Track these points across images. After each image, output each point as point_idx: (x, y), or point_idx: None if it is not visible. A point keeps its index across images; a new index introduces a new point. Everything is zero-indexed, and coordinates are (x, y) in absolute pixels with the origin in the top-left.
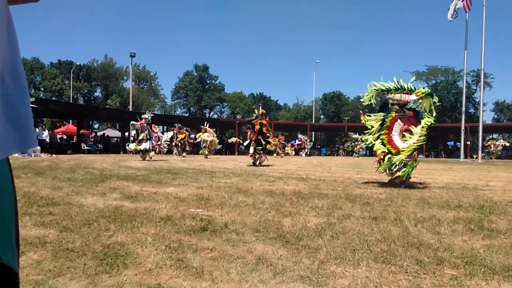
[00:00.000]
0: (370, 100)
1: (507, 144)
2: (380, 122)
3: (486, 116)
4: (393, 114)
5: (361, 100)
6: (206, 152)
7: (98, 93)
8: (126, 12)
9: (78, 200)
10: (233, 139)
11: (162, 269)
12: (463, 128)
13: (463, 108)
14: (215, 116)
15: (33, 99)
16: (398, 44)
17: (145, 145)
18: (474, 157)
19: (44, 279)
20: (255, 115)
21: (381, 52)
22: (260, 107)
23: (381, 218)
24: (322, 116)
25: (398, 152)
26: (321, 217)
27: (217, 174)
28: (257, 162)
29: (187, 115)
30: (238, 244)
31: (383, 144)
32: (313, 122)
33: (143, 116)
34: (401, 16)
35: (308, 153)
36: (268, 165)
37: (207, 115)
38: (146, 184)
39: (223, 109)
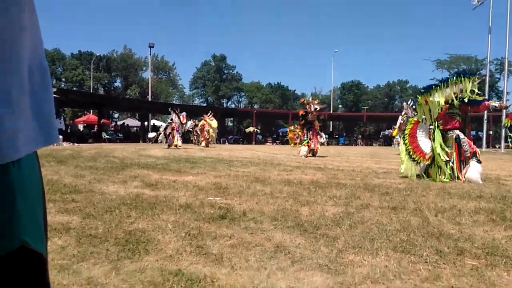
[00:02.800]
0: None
1: None
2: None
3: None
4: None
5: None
6: (204, 143)
7: (118, 83)
8: (145, 3)
9: (100, 188)
10: (251, 129)
11: (182, 255)
12: (485, 117)
13: (486, 97)
14: (233, 105)
15: (54, 89)
16: (419, 31)
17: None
18: (497, 147)
19: (69, 264)
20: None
21: (401, 40)
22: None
23: (400, 208)
24: (340, 106)
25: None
26: (339, 206)
27: (235, 164)
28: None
29: (205, 104)
30: (256, 232)
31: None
32: (331, 111)
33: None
34: (422, 2)
35: (326, 142)
36: (288, 155)
37: (224, 105)
38: (165, 172)
39: (240, 99)
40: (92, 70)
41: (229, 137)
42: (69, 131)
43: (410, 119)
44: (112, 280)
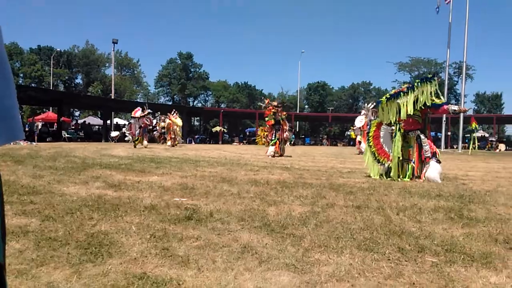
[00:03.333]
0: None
1: (487, 135)
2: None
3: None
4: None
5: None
6: (170, 142)
7: (79, 80)
8: None
9: (60, 189)
10: (217, 128)
11: (147, 258)
12: (444, 119)
13: (445, 100)
14: (199, 104)
15: None
16: (383, 35)
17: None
18: (455, 147)
19: (27, 269)
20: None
21: (365, 43)
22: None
23: (364, 206)
24: (306, 106)
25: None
26: (305, 206)
27: (201, 164)
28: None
29: (170, 103)
30: (223, 233)
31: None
32: (298, 112)
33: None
34: (386, 7)
35: (292, 142)
36: (253, 155)
37: (191, 104)
38: (129, 173)
39: (207, 98)
40: (52, 66)
41: (196, 136)
42: (26, 129)
43: (373, 121)
44: (73, 285)
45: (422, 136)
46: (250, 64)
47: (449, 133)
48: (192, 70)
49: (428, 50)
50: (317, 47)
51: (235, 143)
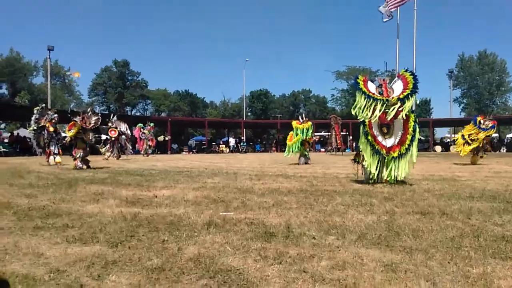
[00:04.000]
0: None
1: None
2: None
3: None
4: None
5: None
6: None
7: (3, 90)
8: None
9: (76, 209)
10: (161, 138)
11: (292, 285)
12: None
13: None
14: (138, 113)
15: None
16: (322, 43)
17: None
18: None
19: None
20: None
21: (306, 52)
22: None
23: (426, 212)
24: (249, 114)
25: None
26: (367, 214)
27: (191, 174)
28: None
29: (106, 112)
30: (333, 248)
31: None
32: (244, 119)
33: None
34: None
35: (244, 150)
36: (213, 163)
37: (129, 113)
38: (128, 187)
39: (146, 107)
40: None
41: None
42: None
43: (361, 116)
44: None
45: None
46: (190, 72)
47: None
48: (129, 78)
49: (363, 59)
50: (258, 54)
51: (184, 153)
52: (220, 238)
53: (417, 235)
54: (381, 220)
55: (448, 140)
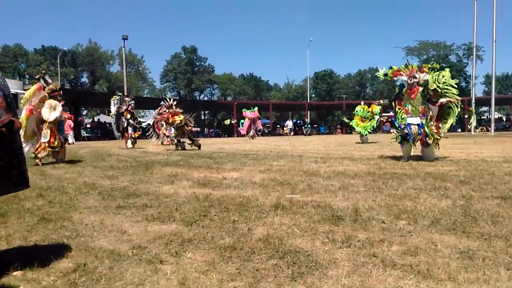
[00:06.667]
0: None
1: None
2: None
3: (477, 89)
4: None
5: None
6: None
7: (84, 79)
8: None
9: (153, 190)
10: (228, 121)
11: (372, 271)
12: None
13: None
14: (205, 98)
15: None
16: (389, 20)
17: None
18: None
19: None
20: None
21: (372, 29)
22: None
23: (507, 197)
24: (313, 95)
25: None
26: (441, 199)
27: (258, 157)
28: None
29: (177, 98)
30: (404, 234)
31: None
32: (308, 101)
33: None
34: None
35: (309, 132)
36: (276, 145)
37: (197, 98)
38: (200, 169)
39: (213, 91)
40: (58, 65)
41: (211, 130)
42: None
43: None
44: None
45: None
46: (254, 55)
47: (466, 116)
48: (197, 64)
49: (434, 33)
50: (322, 34)
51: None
52: (288, 220)
53: (496, 221)
54: (456, 205)
55: None
